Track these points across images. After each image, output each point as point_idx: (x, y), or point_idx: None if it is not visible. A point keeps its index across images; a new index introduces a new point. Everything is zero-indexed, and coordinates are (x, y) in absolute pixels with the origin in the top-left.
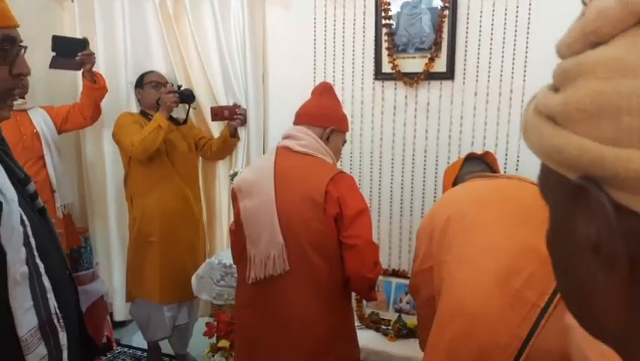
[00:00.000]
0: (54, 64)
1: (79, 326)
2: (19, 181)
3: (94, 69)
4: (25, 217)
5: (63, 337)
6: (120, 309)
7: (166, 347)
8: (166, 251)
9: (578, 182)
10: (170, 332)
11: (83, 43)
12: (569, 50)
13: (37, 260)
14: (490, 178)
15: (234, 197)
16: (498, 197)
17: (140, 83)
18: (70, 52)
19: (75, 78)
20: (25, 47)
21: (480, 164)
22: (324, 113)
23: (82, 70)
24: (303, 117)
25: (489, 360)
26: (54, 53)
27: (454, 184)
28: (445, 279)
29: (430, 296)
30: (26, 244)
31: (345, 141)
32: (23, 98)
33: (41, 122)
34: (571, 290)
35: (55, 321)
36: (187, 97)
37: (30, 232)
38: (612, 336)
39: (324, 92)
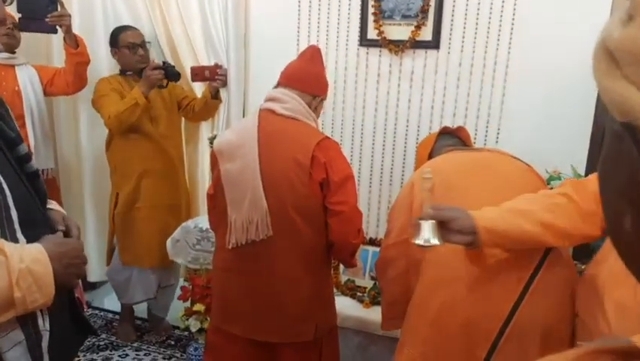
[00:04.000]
0: (24, 26)
1: (70, 310)
2: (7, 142)
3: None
4: (5, 185)
5: (45, 322)
6: (94, 270)
7: (137, 311)
8: (152, 216)
9: (616, 127)
10: (154, 293)
11: (55, 3)
12: None
13: (19, 235)
14: (471, 151)
15: (214, 160)
16: (482, 168)
17: (115, 42)
18: (39, 12)
19: (49, 39)
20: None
21: (453, 138)
22: (315, 81)
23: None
24: (291, 80)
25: (476, 330)
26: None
27: (430, 158)
28: (431, 250)
29: (403, 271)
30: (7, 217)
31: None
32: (13, 53)
33: (26, 80)
34: (609, 223)
35: None
36: (172, 75)
37: (11, 203)
38: None
39: (314, 56)
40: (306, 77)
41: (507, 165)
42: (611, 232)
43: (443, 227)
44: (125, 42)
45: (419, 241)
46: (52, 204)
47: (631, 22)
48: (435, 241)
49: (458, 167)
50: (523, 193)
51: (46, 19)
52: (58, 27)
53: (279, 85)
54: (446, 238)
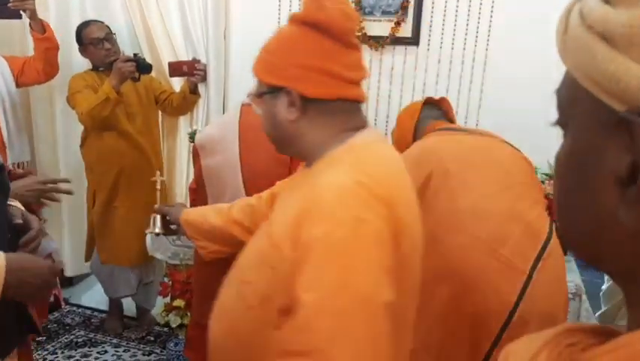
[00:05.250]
0: None
1: (14, 302)
2: None
3: (44, 18)
4: None
5: None
6: (70, 265)
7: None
8: (129, 215)
9: (624, 115)
10: (134, 290)
11: None
12: None
13: None
14: (464, 134)
15: (196, 154)
16: (480, 158)
17: (80, 40)
18: None
19: (23, 32)
20: None
21: (437, 110)
22: None
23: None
24: None
25: (483, 324)
26: None
27: (415, 129)
28: (427, 240)
29: None
30: None
31: None
32: None
33: None
34: (579, 213)
35: None
36: (144, 67)
37: None
38: (615, 267)
39: None
40: None
41: (501, 152)
42: (589, 228)
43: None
44: (89, 38)
45: (148, 231)
46: (13, 202)
47: (620, 3)
48: (157, 230)
49: (457, 154)
50: (517, 181)
51: (9, 4)
52: (22, 12)
53: None
54: (166, 229)
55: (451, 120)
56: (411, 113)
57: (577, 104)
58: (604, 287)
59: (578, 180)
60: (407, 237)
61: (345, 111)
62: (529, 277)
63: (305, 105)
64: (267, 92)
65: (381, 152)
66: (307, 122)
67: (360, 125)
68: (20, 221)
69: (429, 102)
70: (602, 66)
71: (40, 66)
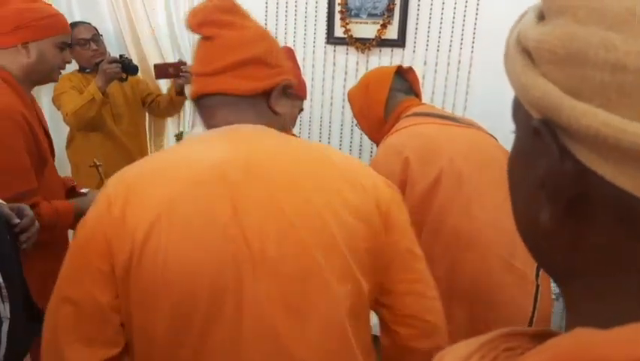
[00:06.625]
0: None
1: (24, 296)
2: None
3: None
4: None
5: (5, 308)
6: None
7: None
8: None
9: (534, 124)
10: None
11: None
12: None
13: None
14: (452, 124)
15: None
16: (482, 157)
17: None
18: None
19: None
20: None
21: (404, 81)
22: None
23: None
24: None
25: None
26: None
27: (386, 104)
28: (442, 248)
29: None
30: None
31: (301, 109)
32: None
33: None
34: (522, 218)
35: None
36: (130, 68)
37: None
38: (557, 270)
39: (286, 55)
40: None
41: (495, 149)
42: (525, 228)
43: None
44: (76, 39)
45: None
46: None
47: (545, 21)
48: None
49: (465, 154)
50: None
51: None
52: None
53: None
54: None
55: (417, 94)
56: (382, 81)
57: (517, 111)
58: None
59: (517, 184)
60: None
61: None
62: (537, 285)
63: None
64: None
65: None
66: None
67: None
68: (17, 221)
69: (398, 71)
70: (518, 77)
71: None
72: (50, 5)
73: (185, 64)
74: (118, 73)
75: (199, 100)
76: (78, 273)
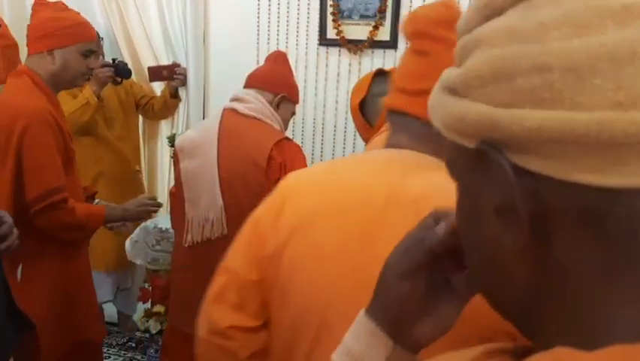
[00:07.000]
0: None
1: (7, 299)
2: None
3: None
4: None
5: None
6: None
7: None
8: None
9: (477, 147)
10: (112, 296)
11: None
12: (467, 27)
13: None
14: None
15: (176, 157)
16: None
17: None
18: None
19: None
20: None
21: (388, 82)
22: (276, 79)
23: None
24: (254, 81)
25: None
26: None
27: (362, 103)
28: None
29: None
30: None
31: (293, 113)
32: None
33: None
34: (481, 263)
35: None
36: (123, 72)
37: None
38: (517, 306)
39: (278, 59)
40: (266, 75)
41: None
42: (490, 269)
43: None
44: None
45: None
46: None
47: (463, 62)
48: None
49: None
50: None
51: None
52: None
53: (244, 87)
54: None
55: None
56: (358, 90)
57: (454, 157)
58: None
59: (470, 230)
60: None
61: None
62: None
63: None
64: None
65: None
66: None
67: None
68: None
69: (380, 73)
70: (450, 112)
71: (0, 65)
72: (78, 14)
73: (179, 66)
74: (109, 77)
75: (392, 112)
76: (239, 248)
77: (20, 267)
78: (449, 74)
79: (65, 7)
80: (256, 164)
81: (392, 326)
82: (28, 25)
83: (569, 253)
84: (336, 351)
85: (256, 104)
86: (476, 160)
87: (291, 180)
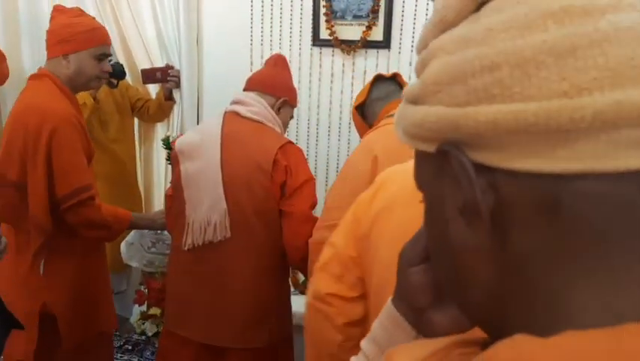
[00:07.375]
0: None
1: None
2: None
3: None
4: None
5: None
6: None
7: None
8: None
9: (437, 148)
10: None
11: None
12: (424, 43)
13: None
14: None
15: (175, 159)
16: None
17: None
18: None
19: None
20: None
21: (391, 84)
22: (277, 83)
23: None
24: (255, 84)
25: None
26: None
27: (363, 108)
28: None
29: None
30: None
31: (292, 116)
32: None
33: None
34: (448, 270)
35: None
36: (118, 73)
37: None
38: (482, 307)
39: (279, 62)
40: (268, 79)
41: None
42: (457, 273)
43: None
44: None
45: None
46: None
47: (424, 70)
48: None
49: None
50: None
51: None
52: None
53: (244, 89)
54: None
55: None
56: (358, 96)
57: (419, 167)
58: None
59: (437, 237)
60: None
61: None
62: None
63: None
64: None
65: None
66: None
67: None
68: None
69: (381, 78)
70: (411, 120)
71: None
72: (93, 19)
73: (172, 68)
74: (106, 78)
75: None
76: (343, 226)
77: (43, 262)
78: (411, 86)
79: (81, 13)
80: (261, 168)
81: (411, 314)
82: (47, 31)
83: (526, 244)
84: (366, 337)
85: (258, 107)
86: (439, 164)
87: (390, 169)
